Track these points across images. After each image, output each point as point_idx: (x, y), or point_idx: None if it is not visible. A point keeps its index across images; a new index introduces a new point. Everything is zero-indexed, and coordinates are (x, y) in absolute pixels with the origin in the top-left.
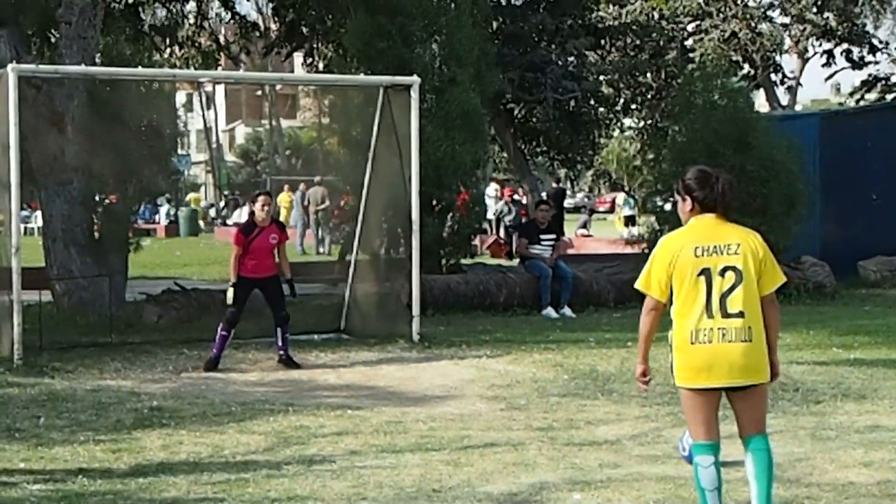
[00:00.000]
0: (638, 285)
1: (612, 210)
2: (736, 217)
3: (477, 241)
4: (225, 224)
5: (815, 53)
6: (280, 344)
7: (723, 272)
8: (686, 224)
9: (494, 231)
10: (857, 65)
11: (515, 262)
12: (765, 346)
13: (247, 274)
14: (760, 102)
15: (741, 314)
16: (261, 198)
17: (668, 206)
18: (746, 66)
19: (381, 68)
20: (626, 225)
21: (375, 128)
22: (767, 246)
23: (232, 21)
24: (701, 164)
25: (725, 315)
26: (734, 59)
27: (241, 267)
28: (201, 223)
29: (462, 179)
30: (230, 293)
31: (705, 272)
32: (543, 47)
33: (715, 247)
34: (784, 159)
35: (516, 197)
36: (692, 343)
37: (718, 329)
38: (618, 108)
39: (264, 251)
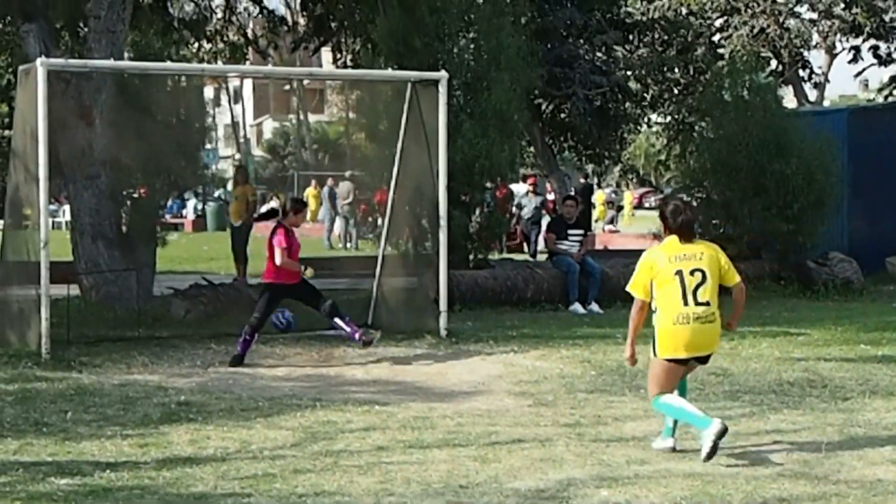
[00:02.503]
0: (629, 289)
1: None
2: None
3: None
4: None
5: (843, 49)
6: (348, 331)
7: (692, 272)
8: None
9: (514, 223)
10: (884, 61)
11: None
12: (720, 325)
13: (281, 280)
14: (788, 98)
15: (707, 303)
16: (305, 209)
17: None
18: (774, 62)
19: (416, 64)
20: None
21: (403, 123)
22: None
23: (260, 15)
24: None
25: (697, 304)
26: (762, 54)
27: (275, 274)
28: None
29: (495, 177)
30: (310, 271)
31: (679, 273)
32: (571, 42)
33: (685, 254)
34: (821, 161)
35: (542, 190)
36: (674, 324)
37: (693, 314)
38: (646, 103)
39: (295, 255)
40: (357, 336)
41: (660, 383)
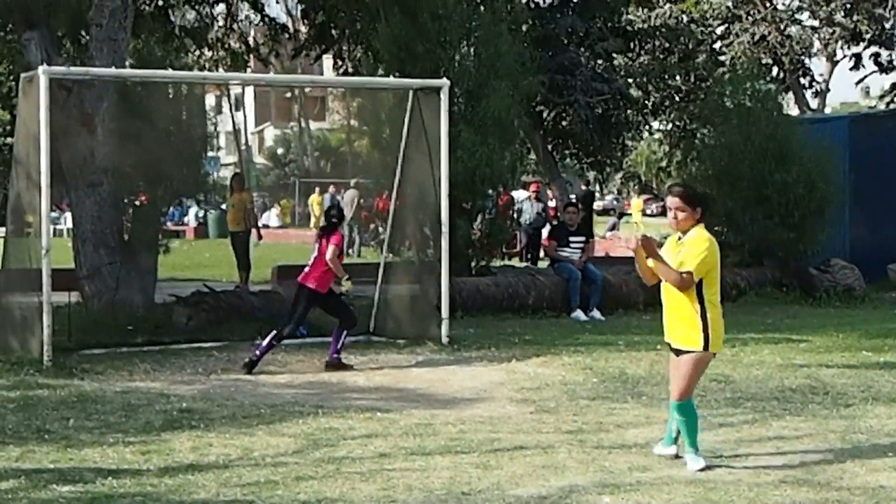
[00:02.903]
0: (694, 269)
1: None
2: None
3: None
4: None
5: (844, 57)
6: (335, 346)
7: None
8: (695, 230)
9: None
10: (885, 68)
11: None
12: None
13: (319, 287)
14: (790, 106)
15: None
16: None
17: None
18: (775, 69)
19: (418, 71)
20: None
21: (405, 130)
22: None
23: (261, 23)
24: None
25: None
26: (763, 62)
27: (320, 279)
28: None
29: (496, 185)
30: (348, 284)
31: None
32: (573, 50)
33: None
34: (823, 169)
35: (545, 196)
36: (722, 318)
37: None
38: (647, 110)
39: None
40: (333, 355)
41: (695, 382)
